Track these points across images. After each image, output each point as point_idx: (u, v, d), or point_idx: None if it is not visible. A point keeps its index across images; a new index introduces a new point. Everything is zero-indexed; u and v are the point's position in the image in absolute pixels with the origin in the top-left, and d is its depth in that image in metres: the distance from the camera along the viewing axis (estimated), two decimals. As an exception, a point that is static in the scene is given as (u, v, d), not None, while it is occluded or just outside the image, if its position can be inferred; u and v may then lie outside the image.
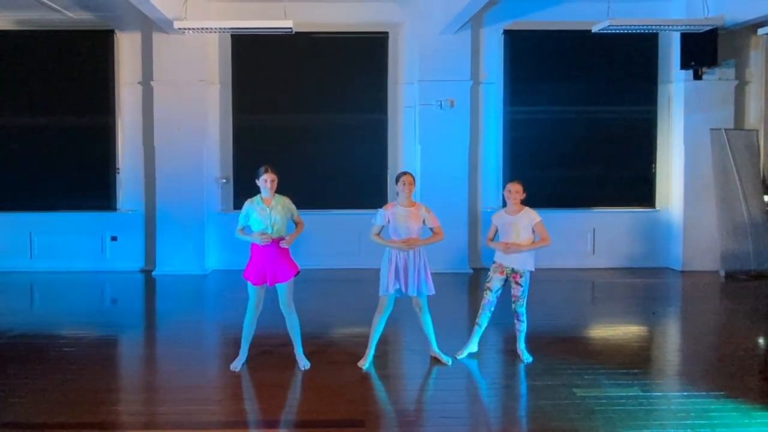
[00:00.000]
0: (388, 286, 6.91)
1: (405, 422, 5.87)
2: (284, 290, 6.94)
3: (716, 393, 6.29)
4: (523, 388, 6.63)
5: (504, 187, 7.40)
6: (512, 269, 7.10)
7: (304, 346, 7.20)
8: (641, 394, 6.30)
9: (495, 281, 7.18)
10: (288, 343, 7.20)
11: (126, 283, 11.63)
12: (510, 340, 7.47)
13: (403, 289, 6.96)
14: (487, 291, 7.20)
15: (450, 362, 7.20)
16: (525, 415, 6.01)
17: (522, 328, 7.21)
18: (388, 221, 6.97)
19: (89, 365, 7.16)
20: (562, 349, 7.62)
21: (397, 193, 7.06)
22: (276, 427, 5.80)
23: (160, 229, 12.06)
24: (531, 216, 7.08)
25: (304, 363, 7.03)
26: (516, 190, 7.08)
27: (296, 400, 6.32)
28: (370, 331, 7.17)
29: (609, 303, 10.43)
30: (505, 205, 7.28)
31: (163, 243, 12.05)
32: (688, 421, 5.69)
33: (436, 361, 7.27)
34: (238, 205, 12.08)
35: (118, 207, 12.42)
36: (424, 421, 5.88)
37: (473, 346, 7.39)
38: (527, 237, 7.05)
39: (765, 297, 10.57)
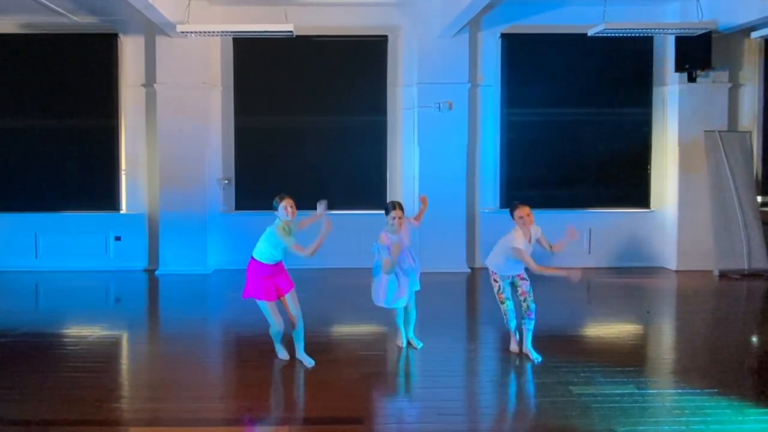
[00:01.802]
0: (395, 300, 7.31)
1: (404, 419, 5.93)
2: (294, 296, 7.09)
3: (710, 390, 6.32)
4: (520, 385, 6.65)
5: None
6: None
7: (307, 345, 7.27)
8: (636, 391, 6.32)
9: (506, 289, 7.25)
10: (287, 342, 7.26)
11: (130, 283, 11.69)
12: (508, 339, 7.46)
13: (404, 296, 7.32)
14: (506, 300, 7.25)
15: (421, 346, 7.53)
16: (522, 413, 6.04)
17: (531, 326, 7.21)
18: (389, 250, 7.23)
19: (93, 363, 7.22)
20: (558, 348, 7.61)
21: (389, 222, 7.34)
22: (278, 424, 5.83)
23: (164, 229, 12.12)
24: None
25: (308, 361, 7.08)
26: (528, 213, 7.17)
27: (297, 397, 6.34)
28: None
29: (604, 302, 10.43)
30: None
31: (167, 243, 12.12)
32: (682, 418, 5.72)
33: (410, 345, 7.61)
34: (239, 205, 12.26)
35: (121, 207, 12.52)
36: (423, 419, 5.90)
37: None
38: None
39: (758, 296, 10.66)
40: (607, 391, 6.29)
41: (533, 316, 7.17)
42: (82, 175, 12.39)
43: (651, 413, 5.88)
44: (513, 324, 7.27)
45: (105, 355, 7.62)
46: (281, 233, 6.80)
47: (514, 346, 7.39)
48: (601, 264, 12.55)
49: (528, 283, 7.20)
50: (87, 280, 11.85)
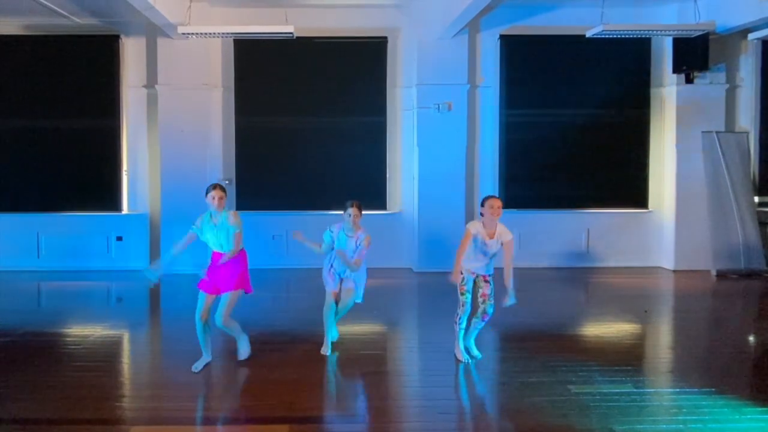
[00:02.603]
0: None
1: (403, 418, 5.92)
2: (225, 301, 6.96)
3: (707, 389, 6.32)
4: (518, 384, 6.60)
5: (493, 194, 7.45)
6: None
7: (306, 343, 7.38)
8: (634, 390, 6.34)
9: (468, 282, 7.12)
10: (288, 341, 7.37)
11: (131, 282, 11.70)
12: (506, 339, 7.56)
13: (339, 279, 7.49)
14: (466, 293, 7.12)
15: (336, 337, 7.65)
16: (521, 411, 5.99)
17: (480, 326, 7.17)
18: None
19: (95, 362, 7.25)
20: (557, 347, 7.65)
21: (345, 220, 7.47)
22: (277, 423, 5.75)
23: (165, 229, 12.16)
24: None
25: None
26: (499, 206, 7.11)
27: (296, 396, 6.28)
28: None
29: (602, 301, 10.47)
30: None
31: (168, 243, 11.99)
32: (679, 417, 5.73)
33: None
34: (240, 205, 12.25)
35: (123, 208, 12.59)
36: (422, 417, 5.89)
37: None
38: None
39: (755, 295, 10.73)
40: (605, 390, 6.30)
41: (487, 319, 7.10)
42: (84, 175, 12.46)
43: (649, 412, 5.90)
44: (464, 322, 7.15)
45: (107, 355, 7.66)
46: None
47: (461, 356, 7.21)
48: (600, 264, 12.62)
49: (490, 287, 7.09)
50: (89, 279, 11.93)
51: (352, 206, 7.39)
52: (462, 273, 7.09)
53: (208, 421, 5.80)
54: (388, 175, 12.61)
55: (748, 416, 5.76)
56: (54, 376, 6.80)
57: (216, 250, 7.00)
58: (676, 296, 10.96)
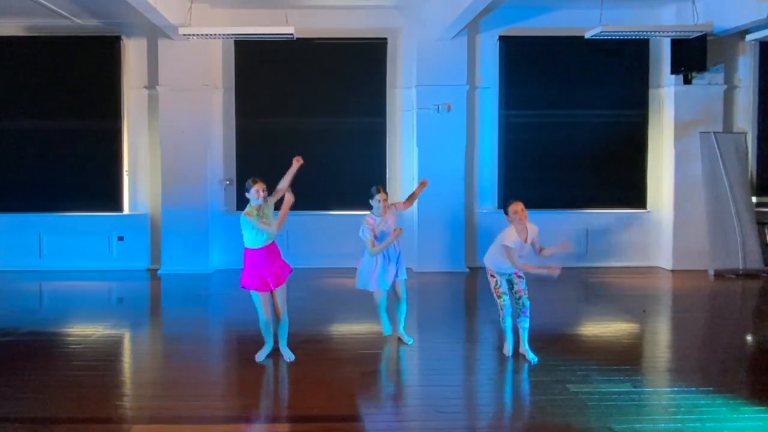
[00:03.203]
0: (383, 282, 7.55)
1: (403, 417, 5.98)
2: (283, 291, 7.17)
3: (705, 388, 6.36)
4: (517, 383, 6.69)
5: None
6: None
7: (306, 343, 7.46)
8: (633, 389, 6.38)
9: (503, 284, 7.22)
10: (289, 340, 7.33)
11: (132, 282, 11.77)
12: (504, 337, 7.52)
13: (391, 279, 7.57)
14: (503, 295, 7.22)
15: (411, 342, 7.70)
16: (520, 410, 6.08)
17: (527, 324, 7.18)
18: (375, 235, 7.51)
19: (96, 362, 7.29)
20: (555, 346, 7.67)
21: (372, 207, 7.65)
22: (278, 422, 5.86)
23: (166, 229, 12.21)
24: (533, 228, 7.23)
25: (288, 355, 7.22)
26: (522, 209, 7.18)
27: (298, 395, 6.35)
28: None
29: (601, 301, 10.48)
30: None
31: (169, 243, 12.22)
32: (678, 416, 5.77)
33: (400, 341, 7.77)
34: (240, 206, 12.27)
35: (124, 208, 12.62)
36: (422, 416, 5.92)
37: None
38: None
39: (753, 295, 10.76)
40: (603, 390, 6.34)
41: (528, 313, 7.16)
42: (86, 176, 12.48)
43: (647, 411, 5.93)
44: (509, 321, 7.22)
45: (108, 354, 7.69)
46: (251, 215, 6.94)
47: (507, 350, 7.34)
48: (598, 264, 12.64)
49: (524, 281, 7.18)
50: (90, 279, 11.96)
51: (378, 192, 7.57)
52: (494, 276, 7.22)
53: (208, 420, 5.80)
54: (388, 176, 12.62)
55: (746, 415, 5.79)
56: (56, 375, 6.84)
57: (263, 245, 7.04)
58: (674, 296, 10.98)
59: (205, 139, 12.32)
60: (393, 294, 7.75)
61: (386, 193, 7.65)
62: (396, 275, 7.61)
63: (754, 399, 6.13)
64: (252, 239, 7.02)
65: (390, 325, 7.86)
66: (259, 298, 7.08)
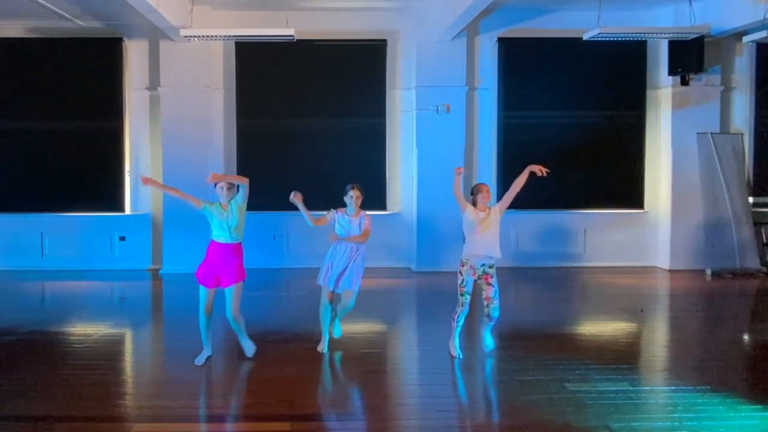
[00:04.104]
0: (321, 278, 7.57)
1: (402, 416, 5.98)
2: (231, 294, 7.07)
3: (702, 387, 6.38)
4: (516, 382, 6.66)
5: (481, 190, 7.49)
6: (484, 270, 7.13)
7: (306, 342, 7.51)
8: (630, 388, 6.40)
9: (468, 284, 7.17)
10: (288, 339, 7.48)
11: (134, 282, 11.83)
12: (504, 337, 7.58)
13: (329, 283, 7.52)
14: (465, 294, 7.19)
15: (338, 335, 7.75)
16: (519, 409, 6.05)
17: (490, 326, 7.30)
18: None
19: (98, 361, 7.32)
20: (554, 346, 7.71)
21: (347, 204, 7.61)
22: (277, 421, 5.78)
23: (167, 229, 12.26)
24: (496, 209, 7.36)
25: (249, 348, 7.28)
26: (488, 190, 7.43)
27: (297, 394, 6.31)
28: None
29: (599, 301, 10.52)
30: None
31: (170, 243, 12.26)
32: (675, 415, 5.78)
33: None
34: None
35: (126, 208, 12.68)
36: (421, 415, 5.93)
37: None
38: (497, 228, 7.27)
39: (749, 295, 10.81)
40: (601, 388, 6.37)
41: (493, 323, 7.24)
42: (88, 176, 12.56)
43: (645, 410, 5.96)
44: (461, 321, 7.23)
45: (110, 353, 7.75)
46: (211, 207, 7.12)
47: (453, 350, 7.34)
48: (596, 263, 12.72)
49: (494, 289, 7.10)
50: (92, 279, 12.01)
51: (353, 188, 7.55)
52: (462, 274, 7.18)
53: (209, 418, 5.86)
54: (387, 176, 12.70)
55: (743, 414, 5.81)
56: (57, 374, 6.88)
57: (220, 240, 7.10)
58: (671, 295, 11.03)
59: (206, 139, 12.38)
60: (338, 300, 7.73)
61: (360, 192, 7.60)
62: (336, 283, 7.51)
63: (751, 397, 6.15)
64: (217, 232, 7.12)
65: (327, 333, 7.69)
66: (204, 293, 7.08)
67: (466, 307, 7.21)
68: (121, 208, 12.68)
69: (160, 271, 12.33)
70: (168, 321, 9.65)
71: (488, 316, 7.19)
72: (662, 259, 12.69)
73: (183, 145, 12.21)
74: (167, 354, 8.01)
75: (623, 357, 7.46)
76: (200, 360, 7.15)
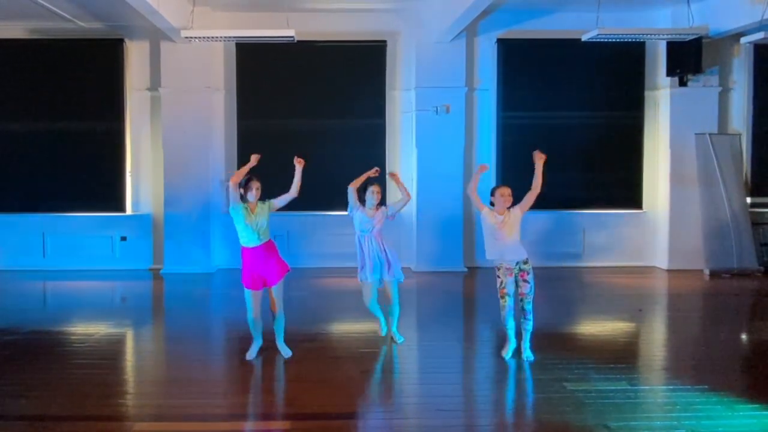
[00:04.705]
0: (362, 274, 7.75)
1: (402, 414, 5.98)
2: (279, 288, 7.23)
3: (701, 387, 6.39)
4: (515, 382, 6.72)
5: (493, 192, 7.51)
6: (519, 267, 7.15)
7: (307, 342, 7.57)
8: (629, 387, 6.42)
9: (508, 285, 7.17)
10: (288, 339, 7.42)
11: (135, 282, 11.86)
12: (503, 336, 7.49)
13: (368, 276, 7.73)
14: (507, 296, 7.16)
15: (402, 341, 7.85)
16: (518, 408, 6.14)
17: (529, 327, 7.19)
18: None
19: (99, 360, 7.34)
20: (553, 345, 7.69)
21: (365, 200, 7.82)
22: (279, 419, 5.87)
23: (168, 229, 12.31)
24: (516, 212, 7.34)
25: (285, 352, 7.35)
26: (509, 194, 7.38)
27: (299, 393, 6.35)
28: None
29: (598, 301, 10.54)
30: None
31: (171, 243, 12.31)
32: (673, 414, 5.79)
33: (391, 340, 7.90)
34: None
35: (127, 208, 12.71)
36: (421, 414, 5.94)
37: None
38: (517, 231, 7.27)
39: (747, 295, 10.82)
40: (600, 388, 6.38)
41: (529, 317, 7.17)
42: (89, 176, 12.58)
43: (643, 409, 5.97)
44: (510, 323, 7.22)
45: (111, 353, 7.78)
46: (243, 211, 7.08)
47: (506, 352, 7.31)
48: (595, 263, 12.78)
49: (530, 286, 7.12)
50: (93, 279, 12.04)
51: (373, 184, 7.77)
52: (500, 276, 7.20)
53: (210, 417, 5.86)
54: (387, 177, 12.66)
55: (741, 413, 5.83)
56: (59, 373, 6.90)
57: (258, 244, 7.14)
58: (669, 295, 11.05)
59: (207, 140, 12.41)
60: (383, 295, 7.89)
61: (380, 188, 7.87)
62: (380, 274, 7.73)
63: (749, 397, 6.17)
64: (244, 238, 7.12)
65: (385, 325, 8.00)
66: (250, 296, 7.17)
67: (510, 309, 7.17)
68: (122, 209, 12.70)
69: (161, 271, 12.36)
70: (169, 321, 9.66)
71: (522, 309, 7.19)
72: (660, 259, 12.73)
73: (184, 145, 12.25)
74: (168, 353, 8.04)
75: (622, 356, 7.48)
76: (252, 354, 7.31)
